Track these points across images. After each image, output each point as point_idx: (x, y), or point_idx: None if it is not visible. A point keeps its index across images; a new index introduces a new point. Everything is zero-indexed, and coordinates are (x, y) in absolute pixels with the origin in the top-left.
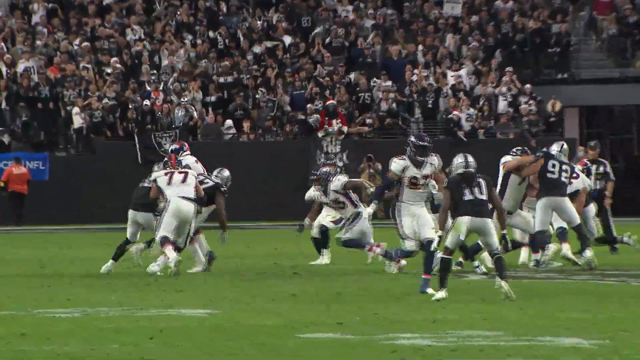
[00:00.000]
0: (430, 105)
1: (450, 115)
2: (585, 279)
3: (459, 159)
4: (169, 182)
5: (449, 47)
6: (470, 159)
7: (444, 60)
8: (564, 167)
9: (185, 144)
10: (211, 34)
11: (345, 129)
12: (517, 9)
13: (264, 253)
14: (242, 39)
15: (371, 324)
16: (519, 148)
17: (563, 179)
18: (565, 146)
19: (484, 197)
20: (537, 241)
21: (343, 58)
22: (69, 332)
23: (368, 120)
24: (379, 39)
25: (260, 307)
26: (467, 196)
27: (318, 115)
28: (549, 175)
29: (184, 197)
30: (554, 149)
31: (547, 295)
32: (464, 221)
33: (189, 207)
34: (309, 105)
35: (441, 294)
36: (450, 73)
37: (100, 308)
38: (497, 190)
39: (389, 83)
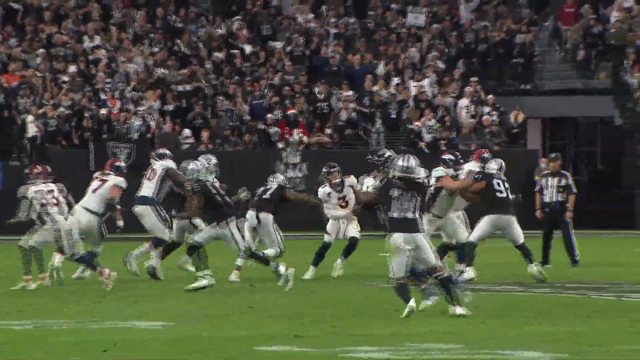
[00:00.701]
0: (393, 116)
1: (411, 126)
2: (546, 292)
3: (399, 162)
4: (88, 189)
5: (411, 57)
6: (412, 162)
7: (407, 70)
8: (506, 184)
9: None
10: (169, 41)
11: (305, 139)
12: (477, 19)
13: (221, 265)
14: (201, 46)
15: (329, 337)
16: (452, 158)
17: (510, 196)
18: (503, 164)
19: (410, 214)
20: (466, 251)
21: (304, 67)
22: (20, 344)
23: (328, 131)
24: (340, 48)
25: (217, 319)
26: (394, 212)
27: (277, 129)
28: (498, 194)
29: (83, 208)
30: (493, 167)
31: (507, 308)
32: (398, 241)
33: (84, 219)
34: (269, 115)
35: (411, 304)
36: (412, 83)
37: (53, 320)
38: (426, 198)
39: (350, 93)
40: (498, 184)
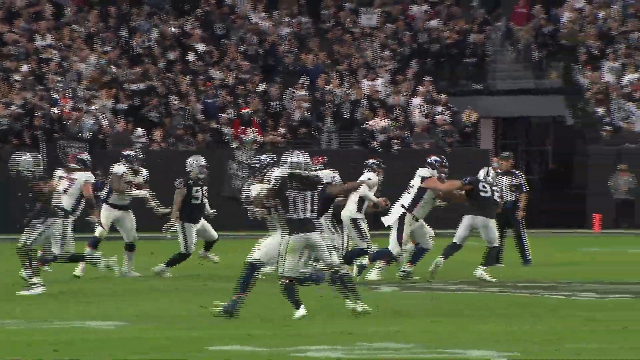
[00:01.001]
0: (346, 115)
1: (364, 126)
2: (497, 291)
3: (288, 158)
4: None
5: (365, 57)
6: (302, 158)
7: (360, 69)
8: (493, 187)
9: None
10: (122, 40)
11: (260, 138)
12: (428, 19)
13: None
14: (155, 45)
15: (282, 337)
16: (438, 160)
17: (496, 198)
18: (491, 172)
19: (308, 214)
20: (447, 248)
21: (258, 66)
22: None
23: (282, 130)
24: (294, 47)
25: (168, 319)
26: (291, 214)
27: (231, 129)
28: (482, 194)
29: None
30: (481, 174)
31: (459, 307)
32: (296, 242)
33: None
34: (223, 115)
35: (301, 311)
36: (366, 83)
37: (4, 320)
38: (411, 199)
39: (303, 92)
40: (484, 186)
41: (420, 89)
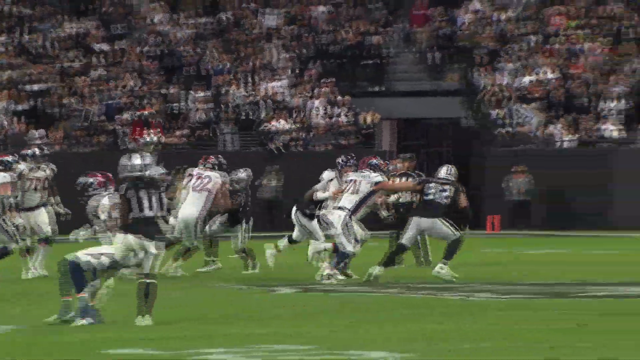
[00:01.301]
0: (248, 117)
1: (262, 127)
2: (394, 292)
3: (127, 161)
4: None
5: (265, 58)
6: (139, 160)
7: (261, 71)
8: (443, 187)
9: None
10: (22, 40)
11: (162, 139)
12: (330, 20)
13: None
14: (55, 45)
15: (181, 339)
16: (381, 162)
17: (439, 200)
18: (453, 170)
19: (153, 212)
20: (395, 252)
21: (158, 67)
22: None
23: (183, 131)
24: (195, 48)
25: (69, 323)
26: (135, 212)
27: (129, 130)
28: (425, 197)
29: None
30: (443, 171)
31: (357, 308)
32: (132, 242)
33: None
34: (125, 116)
35: (147, 320)
36: (267, 84)
37: None
38: (356, 204)
39: (204, 93)
40: (429, 187)
41: (321, 90)
